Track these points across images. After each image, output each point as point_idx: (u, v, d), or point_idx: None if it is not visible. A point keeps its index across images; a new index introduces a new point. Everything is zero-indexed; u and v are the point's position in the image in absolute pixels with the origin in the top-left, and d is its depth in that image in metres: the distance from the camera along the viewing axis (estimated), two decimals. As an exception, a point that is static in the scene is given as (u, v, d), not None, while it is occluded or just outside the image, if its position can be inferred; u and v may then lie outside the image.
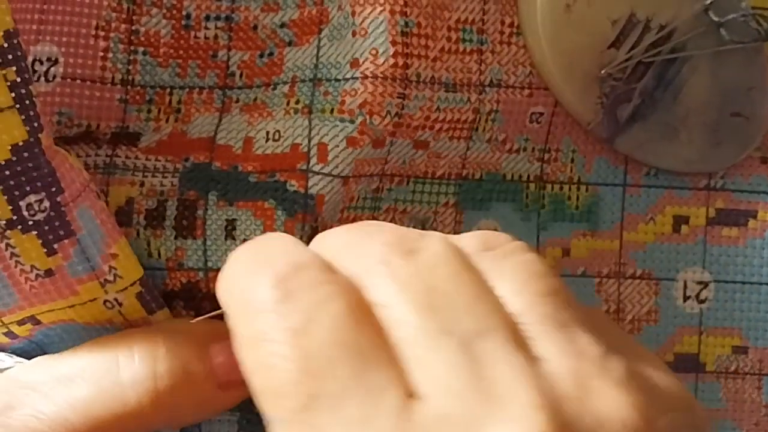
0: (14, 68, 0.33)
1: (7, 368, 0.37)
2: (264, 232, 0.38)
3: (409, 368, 0.26)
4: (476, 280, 0.28)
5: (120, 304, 0.37)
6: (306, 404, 0.26)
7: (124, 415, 0.35)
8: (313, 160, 0.39)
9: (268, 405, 0.27)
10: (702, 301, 0.44)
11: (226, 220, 0.39)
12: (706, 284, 0.44)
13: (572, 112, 0.42)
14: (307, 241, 0.38)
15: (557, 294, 0.28)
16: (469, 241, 0.30)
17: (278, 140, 0.39)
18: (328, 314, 0.27)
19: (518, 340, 0.27)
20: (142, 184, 0.39)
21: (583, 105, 0.42)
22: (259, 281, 0.28)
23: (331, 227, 0.39)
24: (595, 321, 0.28)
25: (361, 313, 0.27)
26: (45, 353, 0.38)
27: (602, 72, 0.41)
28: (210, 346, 0.37)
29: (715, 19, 0.42)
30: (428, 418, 0.25)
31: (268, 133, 0.39)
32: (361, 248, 0.30)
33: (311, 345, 0.26)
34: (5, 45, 0.33)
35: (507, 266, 0.29)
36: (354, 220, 0.40)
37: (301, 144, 0.39)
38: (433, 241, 0.29)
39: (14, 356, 0.38)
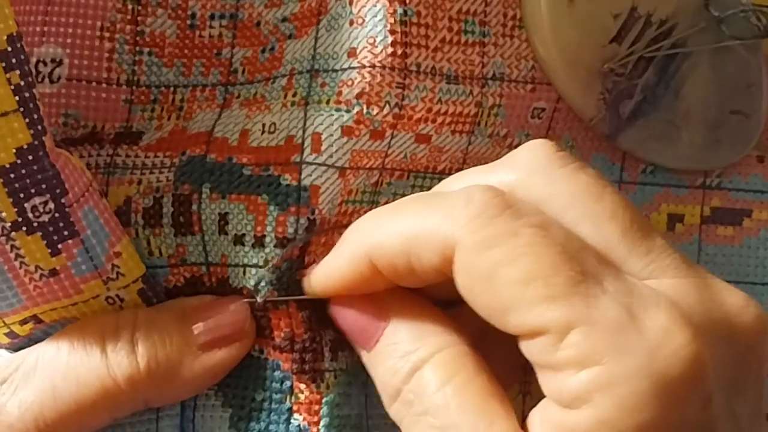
0: (18, 72, 0.34)
1: None
2: (255, 227, 0.38)
3: None
4: None
5: (122, 300, 0.38)
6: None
7: (107, 379, 0.36)
8: (307, 151, 0.38)
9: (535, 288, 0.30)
10: None
11: (219, 213, 0.38)
12: None
13: (575, 108, 0.42)
14: (306, 237, 0.38)
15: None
16: None
17: (273, 132, 0.39)
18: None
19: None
20: (139, 182, 0.39)
21: (586, 100, 0.42)
22: None
23: (330, 221, 0.38)
24: None
25: None
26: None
27: (604, 67, 0.41)
28: (189, 310, 0.38)
29: (716, 14, 0.42)
30: None
31: (264, 125, 0.39)
32: None
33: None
34: (9, 49, 0.33)
35: None
36: (352, 214, 0.39)
37: (296, 136, 0.38)
38: None
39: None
